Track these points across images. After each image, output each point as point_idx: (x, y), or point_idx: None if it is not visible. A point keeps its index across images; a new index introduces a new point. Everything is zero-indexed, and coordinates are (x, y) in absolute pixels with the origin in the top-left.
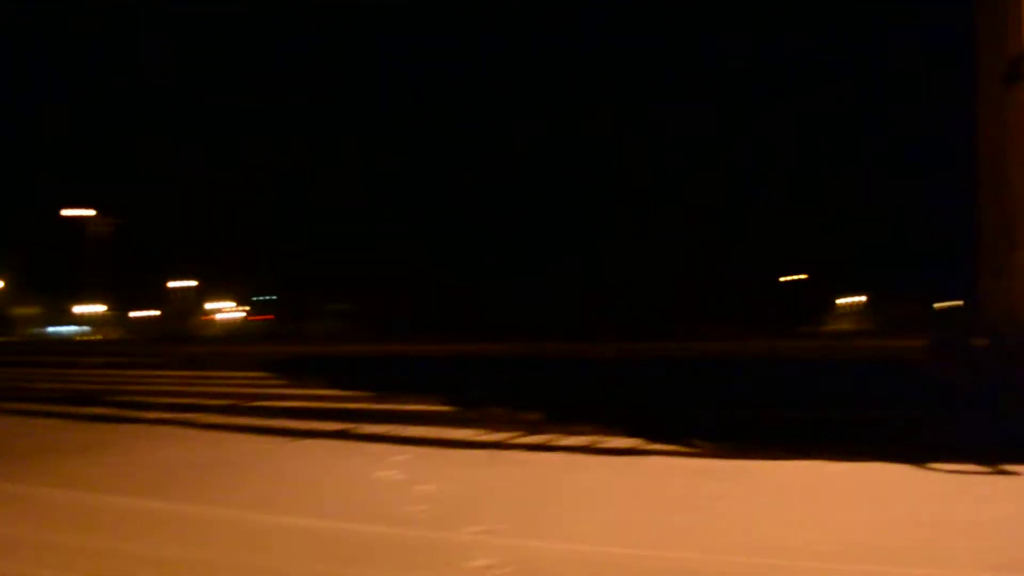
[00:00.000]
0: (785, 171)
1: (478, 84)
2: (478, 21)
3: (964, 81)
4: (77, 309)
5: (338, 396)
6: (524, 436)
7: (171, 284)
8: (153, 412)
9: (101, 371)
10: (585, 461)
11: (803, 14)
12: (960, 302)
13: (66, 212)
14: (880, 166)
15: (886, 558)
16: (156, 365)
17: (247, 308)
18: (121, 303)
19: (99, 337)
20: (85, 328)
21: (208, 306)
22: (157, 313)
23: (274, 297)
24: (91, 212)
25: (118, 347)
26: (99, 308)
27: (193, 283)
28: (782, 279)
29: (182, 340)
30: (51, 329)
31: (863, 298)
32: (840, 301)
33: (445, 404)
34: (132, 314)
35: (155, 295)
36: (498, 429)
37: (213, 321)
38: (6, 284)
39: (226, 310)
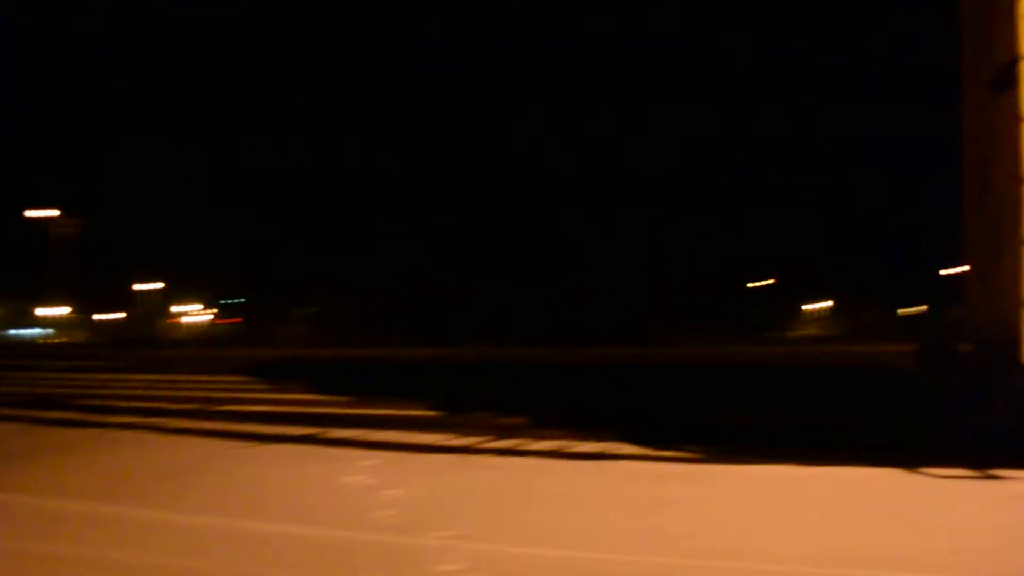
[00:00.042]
0: (754, 177)
1: (437, 84)
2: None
3: (934, 91)
4: (41, 311)
5: (306, 400)
6: (494, 440)
7: (136, 287)
8: (118, 416)
9: (65, 374)
10: (555, 465)
11: (778, 17)
12: (925, 307)
13: (30, 213)
14: (849, 174)
15: (847, 561)
16: (121, 368)
17: (215, 311)
18: (86, 305)
19: (63, 340)
20: (49, 331)
21: (175, 309)
22: (123, 316)
23: (242, 300)
24: (55, 213)
25: (83, 350)
26: (63, 310)
27: (160, 285)
28: (750, 285)
29: (148, 343)
30: (13, 332)
31: (829, 303)
32: (806, 307)
33: (414, 408)
34: (96, 317)
35: (120, 297)
36: (468, 433)
37: (180, 324)
38: None
39: (193, 313)
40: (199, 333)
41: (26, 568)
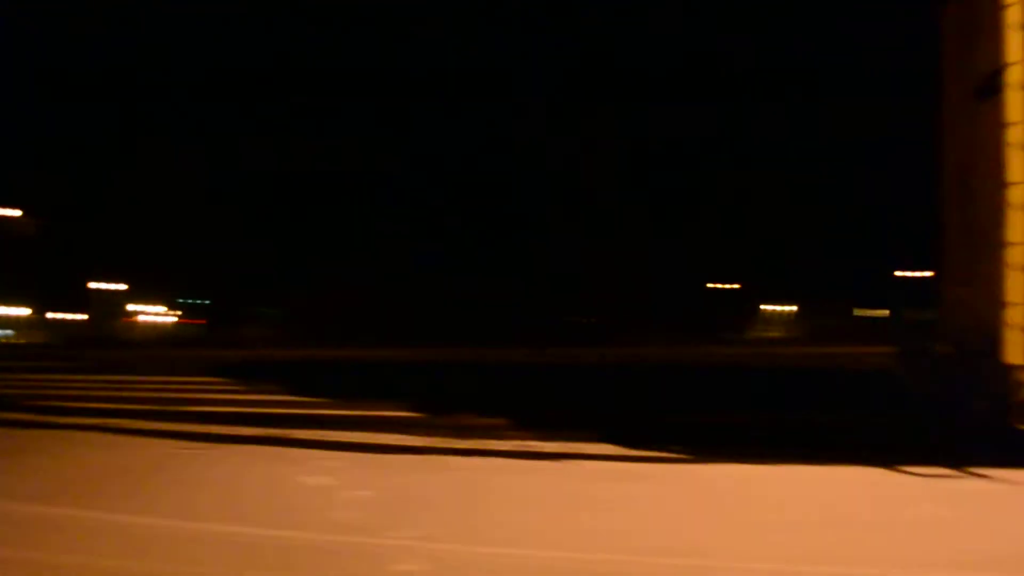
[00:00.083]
0: (713, 177)
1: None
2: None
3: (897, 96)
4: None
5: (268, 401)
6: (458, 441)
7: (98, 286)
8: (74, 417)
9: (21, 375)
10: (516, 465)
11: (747, 17)
12: (886, 312)
13: None
14: (810, 176)
15: (810, 559)
16: (81, 369)
17: (179, 312)
18: (46, 306)
19: (22, 340)
20: (8, 332)
21: (137, 309)
22: (84, 316)
23: (206, 301)
24: (15, 212)
25: (42, 350)
26: (23, 311)
27: (122, 286)
28: (709, 285)
29: (109, 344)
30: None
31: (790, 307)
32: (767, 308)
33: (379, 409)
34: (56, 317)
35: (82, 298)
36: (433, 434)
37: (142, 324)
38: None
39: (156, 313)
40: (162, 334)
41: None
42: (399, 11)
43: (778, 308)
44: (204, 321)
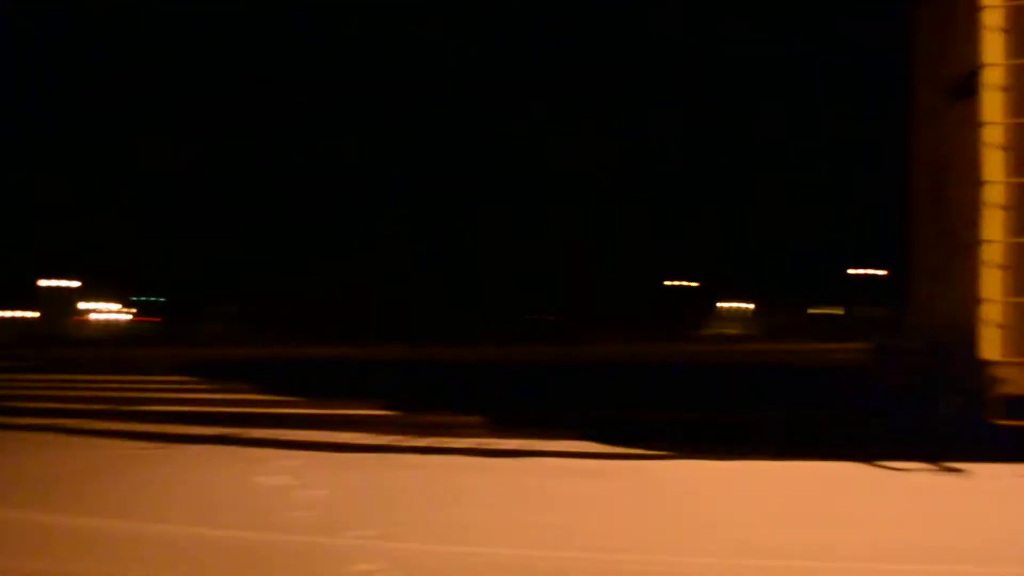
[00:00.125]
0: (672, 177)
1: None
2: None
3: (854, 97)
4: None
5: (223, 400)
6: (414, 439)
7: (49, 283)
8: (24, 417)
9: None
10: (474, 463)
11: (710, 16)
12: (840, 309)
13: None
14: (769, 176)
15: (767, 553)
16: (31, 368)
17: (133, 310)
18: None
19: None
20: None
21: (90, 307)
22: (36, 314)
23: (161, 299)
24: None
25: None
26: None
27: (75, 283)
28: (666, 283)
29: (61, 342)
30: None
31: (747, 304)
32: (723, 306)
33: (335, 407)
34: (3, 314)
35: (34, 295)
36: (389, 432)
37: (95, 322)
38: None
39: (110, 311)
40: (116, 332)
41: None
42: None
43: (735, 306)
44: (159, 319)
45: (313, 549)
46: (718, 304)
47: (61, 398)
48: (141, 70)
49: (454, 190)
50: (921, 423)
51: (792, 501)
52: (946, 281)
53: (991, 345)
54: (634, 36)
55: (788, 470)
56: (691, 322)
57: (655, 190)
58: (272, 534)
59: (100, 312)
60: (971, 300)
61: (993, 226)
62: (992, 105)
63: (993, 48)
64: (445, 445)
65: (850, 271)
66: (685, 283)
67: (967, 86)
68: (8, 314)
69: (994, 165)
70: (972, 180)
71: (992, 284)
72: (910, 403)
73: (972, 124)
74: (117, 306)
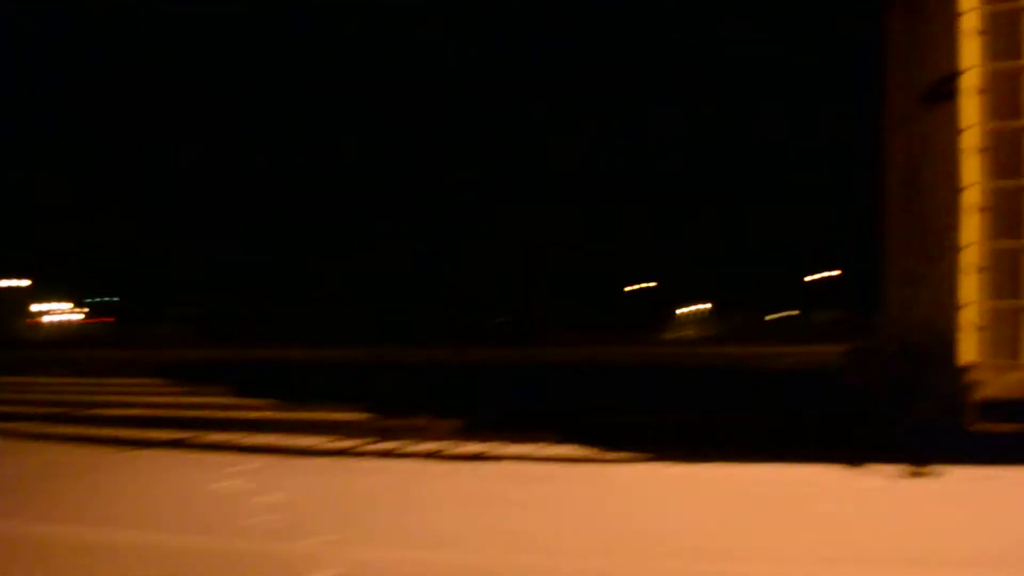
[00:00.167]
0: (631, 179)
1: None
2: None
3: (811, 100)
4: None
5: (179, 403)
6: (375, 443)
7: None
8: None
9: None
10: (435, 468)
11: (672, 16)
12: (796, 312)
13: None
14: (728, 179)
15: (718, 557)
16: None
17: (85, 310)
18: None
19: None
20: None
21: (39, 307)
22: None
23: (115, 299)
24: None
25: None
26: None
27: (24, 283)
28: (628, 288)
29: (10, 344)
30: None
31: (705, 306)
32: (682, 310)
33: (293, 411)
34: None
35: None
36: (348, 436)
37: (46, 323)
38: None
39: (61, 311)
40: (68, 333)
41: None
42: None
43: (693, 308)
44: (113, 319)
45: (271, 555)
46: (677, 307)
47: (12, 401)
48: (89, 63)
49: (415, 191)
50: (897, 426)
51: (759, 505)
52: (922, 284)
53: (969, 349)
54: (592, 36)
55: (755, 473)
56: (651, 325)
57: (615, 193)
58: (229, 540)
59: (52, 313)
60: (948, 303)
61: (971, 230)
62: (970, 109)
63: (971, 52)
64: (406, 449)
65: (806, 276)
66: (644, 286)
67: (943, 90)
68: None
69: (972, 169)
70: (949, 184)
71: (970, 287)
72: (886, 406)
73: (949, 128)
74: (69, 305)
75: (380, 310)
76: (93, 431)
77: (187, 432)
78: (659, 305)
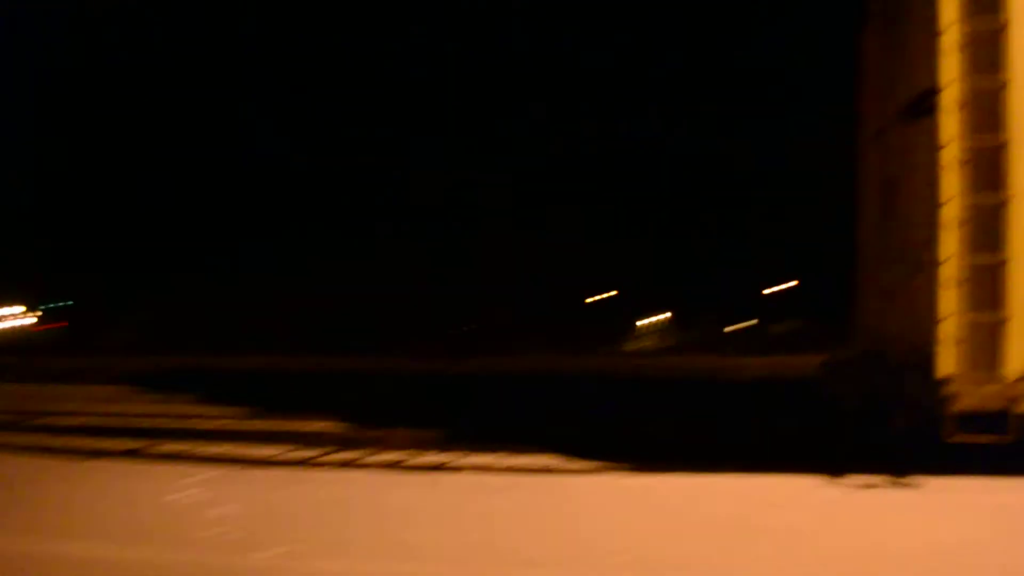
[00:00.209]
0: (591, 188)
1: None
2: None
3: (771, 113)
4: None
5: (133, 412)
6: (332, 453)
7: None
8: None
9: None
10: (393, 479)
11: (631, 24)
12: (754, 321)
13: None
14: (688, 191)
15: (680, 570)
16: None
17: (37, 315)
18: None
19: None
20: None
21: None
22: None
23: (69, 303)
24: None
25: None
26: None
27: None
28: (587, 297)
29: None
30: None
31: (665, 316)
32: (642, 320)
33: (251, 420)
34: None
35: None
36: (307, 446)
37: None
38: None
39: (11, 317)
40: (16, 339)
41: None
42: None
43: (652, 319)
44: (65, 324)
45: (224, 568)
46: (637, 318)
47: None
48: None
49: (380, 198)
50: (874, 437)
51: (719, 516)
52: (898, 297)
53: (947, 361)
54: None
55: (720, 484)
56: (612, 335)
57: (576, 204)
58: (181, 552)
59: (3, 319)
60: (925, 316)
61: (950, 244)
62: (950, 125)
63: (950, 70)
64: (363, 460)
65: (764, 288)
66: (605, 296)
67: (923, 106)
68: None
69: (952, 184)
70: (928, 198)
71: (949, 301)
72: (862, 417)
73: (928, 143)
74: (21, 309)
75: (342, 319)
76: (45, 441)
77: (142, 442)
78: (619, 316)
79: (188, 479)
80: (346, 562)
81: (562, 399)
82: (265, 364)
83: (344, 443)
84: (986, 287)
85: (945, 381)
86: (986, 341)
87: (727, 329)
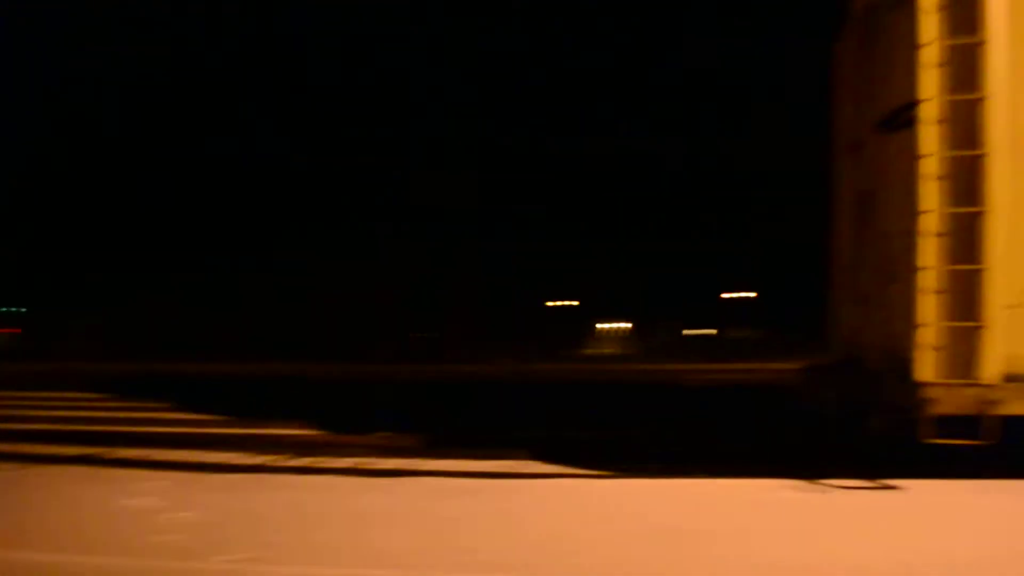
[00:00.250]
0: (552, 196)
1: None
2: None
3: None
4: None
5: (87, 418)
6: (291, 459)
7: None
8: None
9: None
10: (351, 483)
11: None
12: (713, 331)
13: None
14: (648, 198)
15: (606, 569)
16: None
17: None
18: None
19: None
20: None
21: None
22: None
23: (22, 308)
24: None
25: None
26: None
27: None
28: (549, 303)
29: None
30: None
31: (625, 324)
32: (602, 327)
33: (207, 426)
34: None
35: None
36: (264, 451)
37: None
38: None
39: None
40: None
41: None
42: None
43: (613, 326)
44: (19, 330)
45: (179, 575)
46: (597, 324)
47: None
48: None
49: (335, 206)
50: (851, 441)
51: (683, 520)
52: (875, 304)
53: (925, 367)
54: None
55: (686, 488)
56: (572, 341)
57: (537, 211)
58: (135, 560)
59: None
60: (902, 323)
61: (929, 254)
62: (928, 138)
63: (929, 85)
64: (322, 465)
65: (723, 295)
66: (566, 303)
67: (899, 119)
68: None
69: (930, 195)
70: (905, 209)
71: (927, 309)
72: (840, 422)
73: (906, 155)
74: None
75: (301, 324)
76: None
77: (94, 447)
78: (580, 321)
79: (143, 484)
80: (305, 567)
81: (525, 403)
82: (223, 369)
83: (304, 448)
84: (963, 296)
85: (923, 386)
86: (963, 348)
87: (685, 332)
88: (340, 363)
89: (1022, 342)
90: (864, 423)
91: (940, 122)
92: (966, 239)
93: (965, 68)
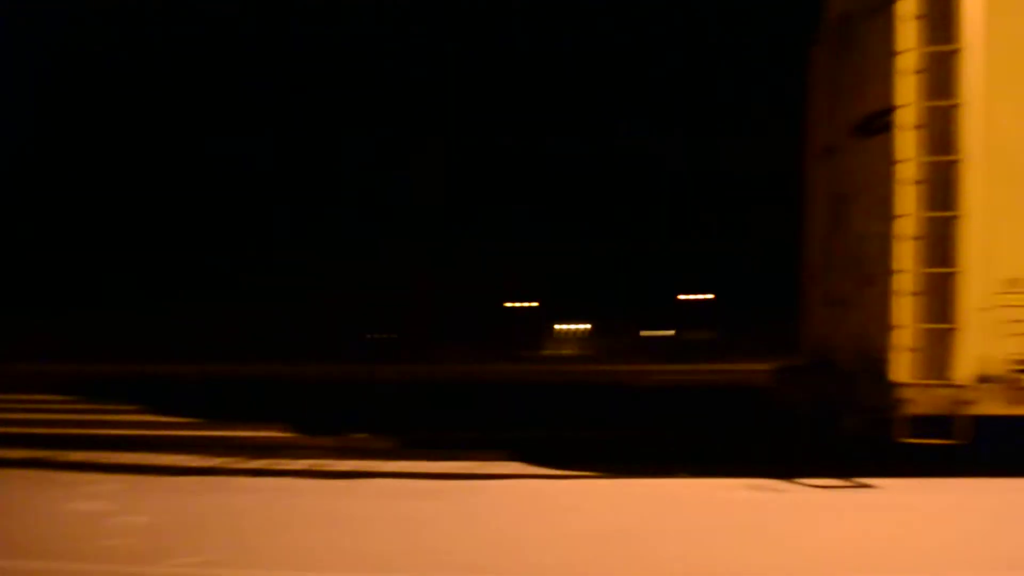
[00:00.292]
0: (510, 197)
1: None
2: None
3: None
4: None
5: (36, 420)
6: (246, 461)
7: None
8: None
9: None
10: (307, 485)
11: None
12: (672, 332)
13: None
14: (604, 202)
15: (561, 570)
16: None
17: None
18: None
19: None
20: None
21: None
22: None
23: None
24: None
25: None
26: None
27: None
28: (507, 304)
29: None
30: None
31: (584, 326)
32: (559, 327)
33: (158, 428)
34: None
35: None
36: (218, 454)
37: None
38: None
39: None
40: None
41: None
42: None
43: (571, 327)
44: None
45: None
46: (555, 325)
47: None
48: None
49: (293, 205)
50: (824, 441)
51: (643, 520)
52: (849, 306)
53: (900, 368)
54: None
55: (647, 488)
56: (530, 342)
57: (494, 212)
58: (86, 564)
59: None
60: (877, 325)
61: (904, 257)
62: (904, 144)
63: (906, 91)
64: (278, 467)
65: (680, 296)
66: (524, 304)
67: (876, 124)
68: None
69: (906, 200)
70: (881, 213)
71: (901, 311)
72: (813, 423)
73: (881, 161)
74: None
75: (259, 324)
76: None
77: (43, 450)
78: (539, 322)
79: (94, 487)
80: (259, 571)
81: (483, 405)
82: (177, 371)
83: (259, 450)
84: (937, 298)
85: (898, 387)
86: (937, 349)
87: (643, 332)
88: (294, 364)
89: (995, 344)
90: (838, 423)
91: (916, 128)
92: (941, 243)
93: (941, 75)
